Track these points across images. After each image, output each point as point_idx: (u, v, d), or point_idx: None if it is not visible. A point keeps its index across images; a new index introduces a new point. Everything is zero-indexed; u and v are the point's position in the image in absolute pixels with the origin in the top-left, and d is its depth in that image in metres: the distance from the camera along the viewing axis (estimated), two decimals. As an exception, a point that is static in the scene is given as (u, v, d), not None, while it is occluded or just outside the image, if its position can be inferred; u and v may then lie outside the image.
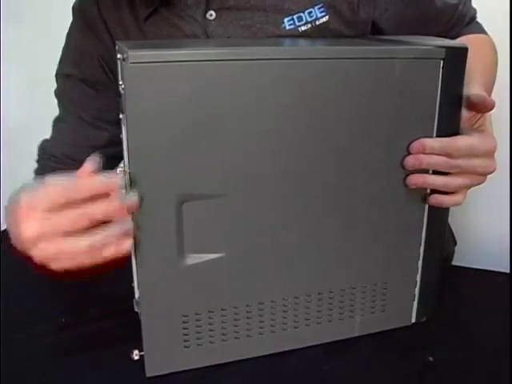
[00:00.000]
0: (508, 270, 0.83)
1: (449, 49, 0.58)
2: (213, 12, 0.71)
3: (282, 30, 0.71)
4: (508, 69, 1.00)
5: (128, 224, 0.54)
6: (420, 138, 0.60)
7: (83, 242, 0.52)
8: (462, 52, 0.59)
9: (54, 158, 0.80)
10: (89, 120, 0.79)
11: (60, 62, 0.81)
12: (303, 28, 0.71)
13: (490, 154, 0.60)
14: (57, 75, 0.81)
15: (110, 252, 0.53)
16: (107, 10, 0.76)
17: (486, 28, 0.83)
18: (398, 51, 0.58)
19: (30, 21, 1.33)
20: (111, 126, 0.78)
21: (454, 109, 0.61)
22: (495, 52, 0.80)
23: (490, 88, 0.72)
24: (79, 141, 0.79)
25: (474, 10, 0.83)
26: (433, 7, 0.76)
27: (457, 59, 0.59)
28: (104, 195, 0.53)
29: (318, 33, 0.71)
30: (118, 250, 0.54)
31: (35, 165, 0.83)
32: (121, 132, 0.59)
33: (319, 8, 0.70)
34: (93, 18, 0.77)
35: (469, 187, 0.62)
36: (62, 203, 0.52)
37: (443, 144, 0.59)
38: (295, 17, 0.71)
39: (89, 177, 0.53)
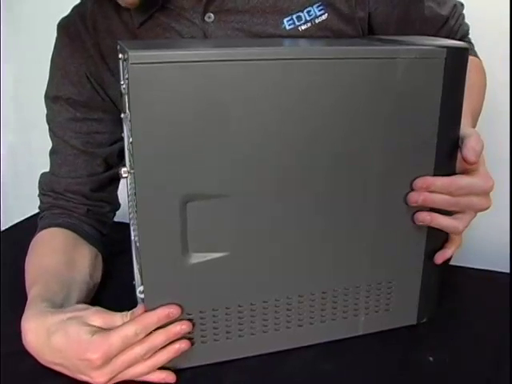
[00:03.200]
0: (508, 270, 0.83)
1: (450, 49, 0.59)
2: (211, 14, 0.70)
3: (283, 30, 0.71)
4: (508, 69, 1.00)
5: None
6: (421, 173, 0.61)
7: (144, 366, 0.58)
8: (464, 52, 0.60)
9: (54, 194, 0.77)
10: (80, 147, 0.76)
11: (47, 85, 0.79)
12: (303, 27, 0.71)
13: (487, 192, 0.61)
14: (45, 98, 0.79)
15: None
16: (94, 22, 0.74)
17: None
18: (399, 51, 0.58)
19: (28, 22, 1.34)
20: (103, 148, 0.77)
21: (456, 108, 0.61)
22: (484, 74, 0.81)
23: (476, 116, 0.74)
24: (75, 172, 0.77)
25: (467, 27, 0.83)
26: (419, 13, 0.76)
27: (458, 59, 0.59)
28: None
29: (318, 32, 0.71)
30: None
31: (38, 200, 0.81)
32: (122, 132, 0.59)
33: (318, 6, 0.71)
34: (79, 33, 0.75)
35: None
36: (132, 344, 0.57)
37: (445, 182, 0.60)
38: (294, 16, 0.71)
39: (143, 317, 0.58)
